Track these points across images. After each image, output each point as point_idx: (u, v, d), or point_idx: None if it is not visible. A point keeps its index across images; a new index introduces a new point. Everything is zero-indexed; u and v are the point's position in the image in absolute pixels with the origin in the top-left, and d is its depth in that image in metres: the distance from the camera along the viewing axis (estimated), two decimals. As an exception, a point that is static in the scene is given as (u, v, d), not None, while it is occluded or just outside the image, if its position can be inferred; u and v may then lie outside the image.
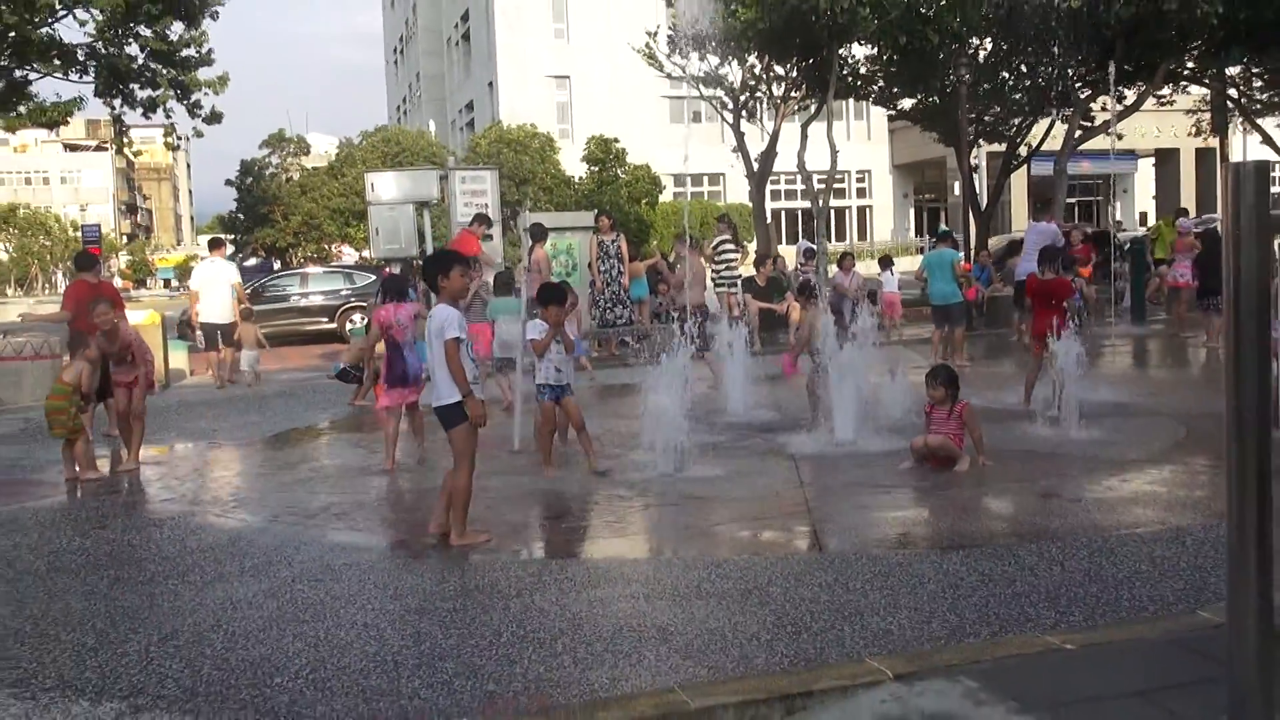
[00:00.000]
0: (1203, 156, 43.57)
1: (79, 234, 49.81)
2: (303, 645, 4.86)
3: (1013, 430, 9.46)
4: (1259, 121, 26.15)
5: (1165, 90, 24.40)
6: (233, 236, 45.17)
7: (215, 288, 15.64)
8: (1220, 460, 3.45)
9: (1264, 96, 25.97)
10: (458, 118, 55.36)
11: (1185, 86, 26.08)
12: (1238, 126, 27.65)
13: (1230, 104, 26.15)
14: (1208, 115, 27.66)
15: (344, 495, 8.32)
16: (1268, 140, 25.66)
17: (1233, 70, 24.19)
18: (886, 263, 20.79)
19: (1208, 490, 6.92)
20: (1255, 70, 24.75)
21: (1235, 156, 28.15)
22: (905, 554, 6.01)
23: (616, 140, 35.48)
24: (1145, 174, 49.03)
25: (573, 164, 36.97)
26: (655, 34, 23.20)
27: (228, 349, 15.76)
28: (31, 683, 4.56)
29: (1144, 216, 39.43)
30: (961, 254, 17.45)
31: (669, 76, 23.66)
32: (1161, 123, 39.53)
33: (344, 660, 4.65)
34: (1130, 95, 22.53)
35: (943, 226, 27.51)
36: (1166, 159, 46.79)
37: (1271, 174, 3.29)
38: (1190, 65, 23.51)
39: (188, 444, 11.00)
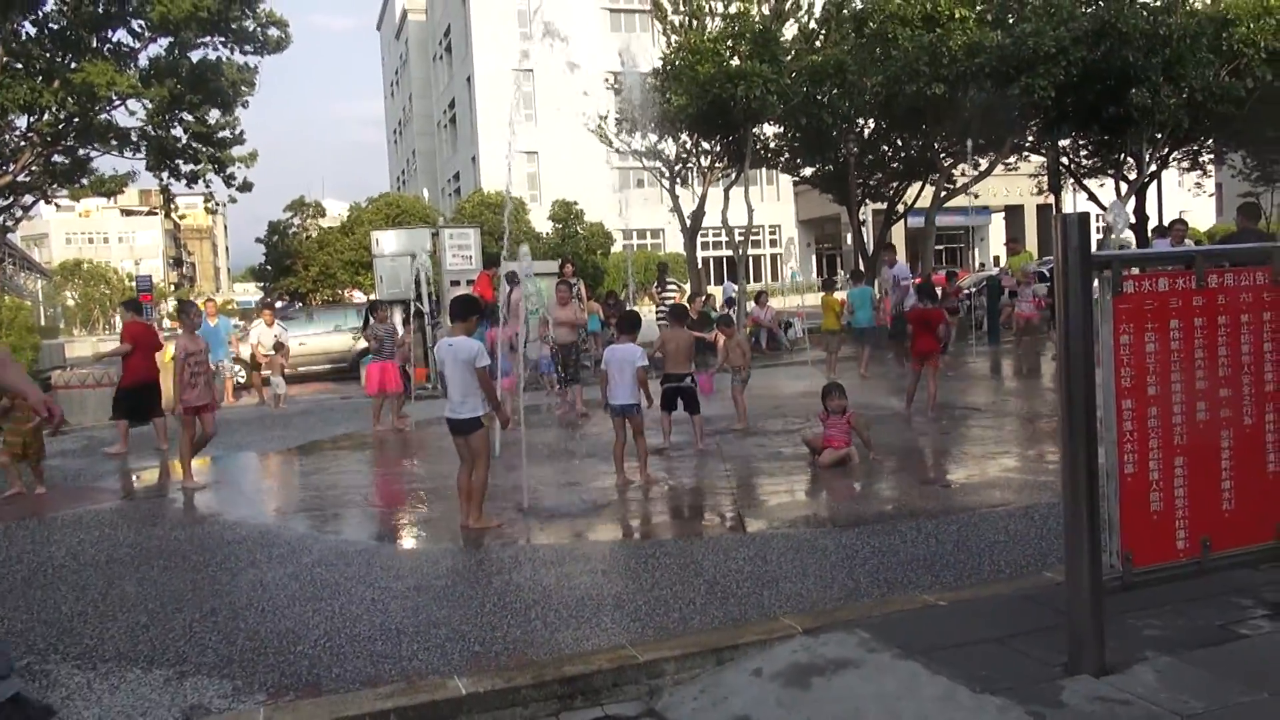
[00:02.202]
0: (1042, 211, 44.45)
1: (134, 284, 48.80)
2: (320, 618, 4.77)
3: (896, 429, 9.55)
4: (1085, 182, 26.69)
5: (1011, 158, 24.86)
6: (263, 284, 44.44)
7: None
8: (1058, 451, 3.50)
9: (1088, 163, 26.52)
10: (446, 185, 55.09)
11: (1027, 155, 26.59)
12: (1068, 187, 28.18)
13: (1062, 169, 26.66)
14: (1045, 178, 28.16)
15: (355, 494, 8.20)
16: (1092, 197, 26.20)
17: (1063, 142, 24.68)
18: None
19: (1049, 475, 7.01)
20: (1080, 142, 25.27)
21: (1067, 210, 28.71)
22: (812, 532, 6.01)
23: (576, 203, 35.49)
24: (997, 225, 49.86)
25: (541, 222, 36.95)
26: (606, 117, 23.29)
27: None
28: (93, 655, 4.44)
29: (997, 259, 40.08)
30: (875, 290, 17.59)
31: (617, 151, 23.74)
32: (1009, 184, 40.30)
33: (355, 630, 4.57)
34: (984, 163, 22.91)
35: (851, 269, 27.56)
36: (1014, 213, 47.69)
37: (1093, 224, 3.34)
38: (1030, 139, 23.97)
39: (227, 454, 10.80)
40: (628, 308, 18.91)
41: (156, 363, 11.13)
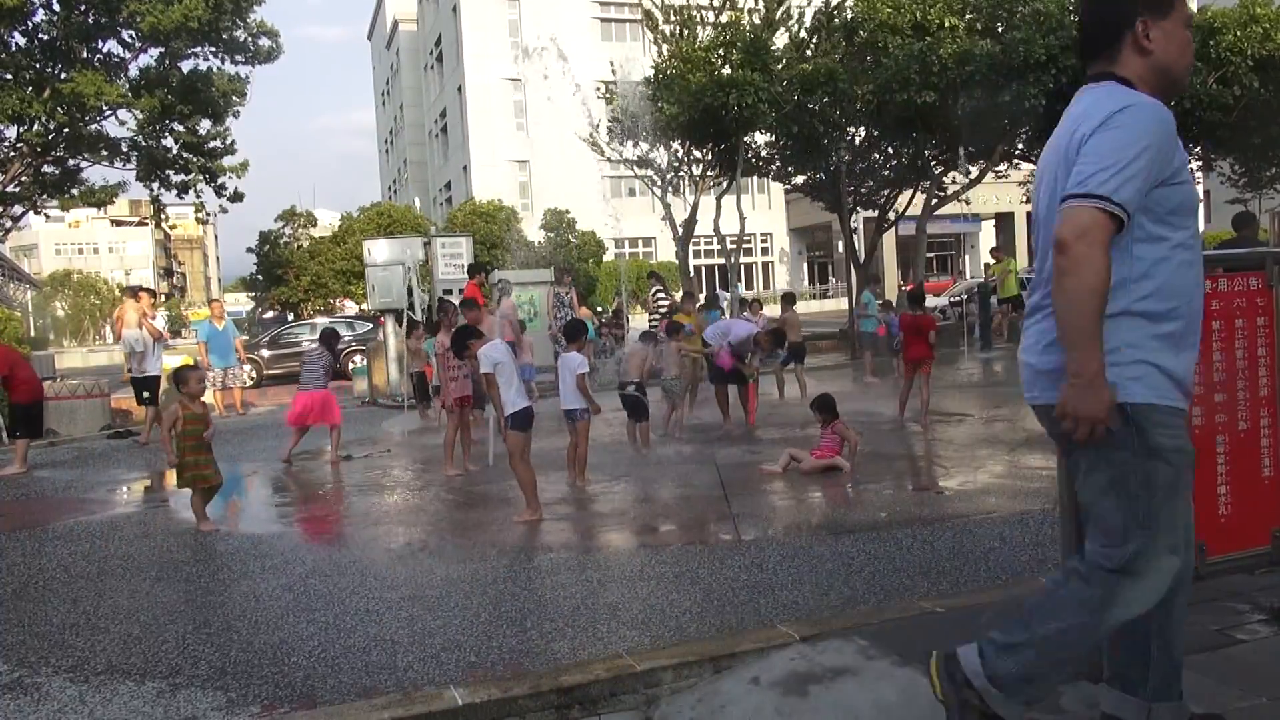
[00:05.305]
0: (1032, 218, 44.59)
1: (124, 294, 48.61)
2: (314, 629, 4.75)
3: (890, 436, 9.55)
4: (1075, 190, 26.80)
5: (1002, 166, 24.95)
6: (253, 293, 44.38)
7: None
8: (1052, 456, 3.50)
9: (1077, 170, 26.62)
10: (438, 195, 55.12)
11: (1017, 163, 26.69)
12: (1058, 194, 28.23)
13: (1052, 176, 26.74)
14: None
15: (346, 504, 8.16)
16: (1081, 205, 26.32)
17: (1052, 150, 24.74)
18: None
19: (1044, 481, 7.01)
20: (1070, 150, 25.34)
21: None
22: (807, 539, 6.01)
23: (568, 212, 35.57)
24: (988, 232, 49.99)
25: (533, 231, 37.00)
26: (598, 126, 23.34)
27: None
28: (85, 668, 4.41)
29: (987, 267, 40.28)
30: (876, 298, 17.68)
31: (609, 160, 23.79)
32: (999, 192, 40.39)
33: (349, 641, 4.55)
34: (974, 170, 22.99)
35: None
36: (1004, 220, 47.81)
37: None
38: (1020, 146, 24.07)
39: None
40: (626, 316, 18.93)
41: None
